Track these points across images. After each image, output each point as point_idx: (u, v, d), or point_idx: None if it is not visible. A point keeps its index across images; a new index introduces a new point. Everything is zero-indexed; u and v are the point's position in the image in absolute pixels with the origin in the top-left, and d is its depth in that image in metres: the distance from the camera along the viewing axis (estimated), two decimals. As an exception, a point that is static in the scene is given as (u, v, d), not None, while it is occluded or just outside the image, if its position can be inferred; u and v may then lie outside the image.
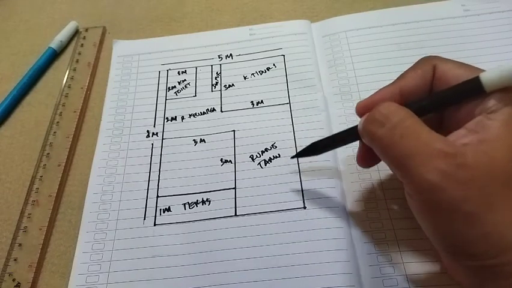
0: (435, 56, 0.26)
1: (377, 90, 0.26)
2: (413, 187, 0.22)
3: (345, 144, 0.29)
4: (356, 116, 0.27)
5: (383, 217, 0.30)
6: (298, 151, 0.31)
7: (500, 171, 0.20)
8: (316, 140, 0.30)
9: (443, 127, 0.25)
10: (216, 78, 0.39)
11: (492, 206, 0.20)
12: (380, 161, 0.27)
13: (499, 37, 0.37)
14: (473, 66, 0.24)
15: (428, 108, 0.24)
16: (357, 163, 0.28)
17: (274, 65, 0.39)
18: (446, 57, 0.25)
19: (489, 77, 0.22)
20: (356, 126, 0.26)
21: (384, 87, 0.26)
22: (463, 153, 0.20)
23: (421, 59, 0.26)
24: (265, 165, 0.33)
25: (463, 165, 0.20)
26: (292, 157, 0.32)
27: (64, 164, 0.35)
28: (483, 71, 0.23)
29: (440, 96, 0.24)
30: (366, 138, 0.24)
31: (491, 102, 0.21)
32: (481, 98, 0.22)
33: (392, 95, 0.25)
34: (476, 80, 0.22)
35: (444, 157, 0.20)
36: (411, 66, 0.26)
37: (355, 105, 0.27)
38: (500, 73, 0.21)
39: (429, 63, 0.25)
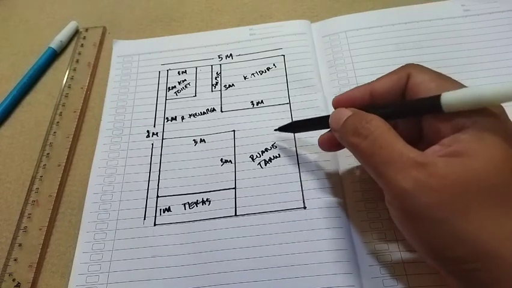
0: (415, 65, 0.26)
1: (352, 88, 0.28)
2: (390, 194, 0.23)
3: (318, 129, 0.30)
4: None
5: (383, 217, 0.30)
6: (280, 126, 0.33)
7: (476, 181, 0.21)
8: (296, 120, 0.34)
9: (423, 141, 0.26)
10: (216, 78, 0.39)
11: (467, 213, 0.20)
12: (342, 148, 0.29)
13: (499, 37, 0.37)
14: (450, 80, 0.24)
15: (388, 115, 0.25)
16: (320, 146, 0.30)
17: (274, 65, 0.39)
18: (426, 67, 0.26)
19: (450, 98, 0.22)
20: (328, 116, 0.28)
21: (358, 86, 0.28)
22: (434, 163, 0.21)
23: (402, 65, 0.27)
24: (265, 165, 0.33)
25: (434, 174, 0.21)
26: (276, 129, 0.34)
27: (64, 164, 0.35)
28: (461, 86, 0.23)
29: (403, 106, 0.25)
30: (349, 148, 0.26)
31: (463, 120, 0.22)
32: (453, 115, 0.23)
33: (363, 94, 0.27)
34: (436, 98, 0.23)
35: (417, 166, 0.21)
36: (390, 71, 0.27)
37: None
38: (462, 97, 0.22)
39: (406, 71, 0.26)
